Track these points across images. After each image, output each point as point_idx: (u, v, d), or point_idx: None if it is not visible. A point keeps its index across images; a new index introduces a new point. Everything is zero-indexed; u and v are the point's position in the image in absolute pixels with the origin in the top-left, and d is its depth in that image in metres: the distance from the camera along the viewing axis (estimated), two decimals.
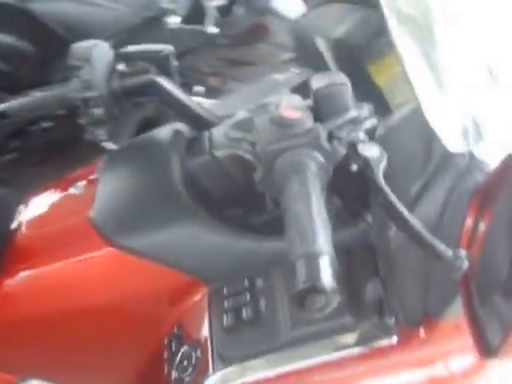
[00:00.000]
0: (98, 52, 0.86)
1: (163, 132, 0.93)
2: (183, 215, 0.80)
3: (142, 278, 0.82)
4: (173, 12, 1.65)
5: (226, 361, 0.72)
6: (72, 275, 0.84)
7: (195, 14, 1.68)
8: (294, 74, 1.18)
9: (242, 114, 0.77)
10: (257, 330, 0.72)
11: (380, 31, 0.87)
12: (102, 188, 0.88)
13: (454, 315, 0.70)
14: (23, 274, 0.86)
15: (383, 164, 0.59)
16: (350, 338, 0.70)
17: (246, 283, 0.77)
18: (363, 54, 0.96)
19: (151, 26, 1.68)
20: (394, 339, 0.69)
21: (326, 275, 0.51)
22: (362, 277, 0.72)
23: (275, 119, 0.61)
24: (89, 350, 0.86)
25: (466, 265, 0.58)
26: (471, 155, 0.65)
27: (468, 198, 0.67)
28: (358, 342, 0.70)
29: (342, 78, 0.67)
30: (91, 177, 0.95)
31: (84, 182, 0.94)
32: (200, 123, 0.92)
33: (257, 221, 0.84)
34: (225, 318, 0.73)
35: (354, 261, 0.74)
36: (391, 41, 0.64)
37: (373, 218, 0.70)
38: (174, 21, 1.66)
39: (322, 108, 0.64)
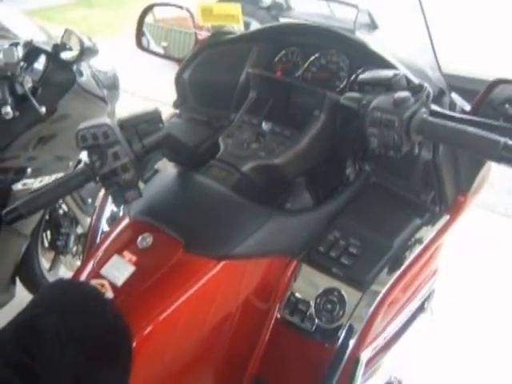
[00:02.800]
0: (111, 127, 0.98)
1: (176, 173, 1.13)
2: (262, 216, 1.02)
3: (254, 272, 1.02)
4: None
5: (366, 284, 0.96)
6: (204, 301, 0.96)
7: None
8: None
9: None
10: (369, 254, 0.97)
11: None
12: (176, 227, 1.01)
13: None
14: (157, 321, 0.91)
15: None
16: (424, 231, 1.01)
17: (332, 237, 1.00)
18: None
19: None
20: (446, 217, 1.00)
21: None
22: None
23: (398, 99, 0.92)
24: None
25: None
26: None
27: None
28: (431, 229, 1.01)
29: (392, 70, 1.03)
30: (140, 227, 1.05)
31: (145, 233, 1.03)
32: (200, 160, 1.17)
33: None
34: (344, 260, 0.97)
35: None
36: None
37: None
38: (5, 111, 1.71)
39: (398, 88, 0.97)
